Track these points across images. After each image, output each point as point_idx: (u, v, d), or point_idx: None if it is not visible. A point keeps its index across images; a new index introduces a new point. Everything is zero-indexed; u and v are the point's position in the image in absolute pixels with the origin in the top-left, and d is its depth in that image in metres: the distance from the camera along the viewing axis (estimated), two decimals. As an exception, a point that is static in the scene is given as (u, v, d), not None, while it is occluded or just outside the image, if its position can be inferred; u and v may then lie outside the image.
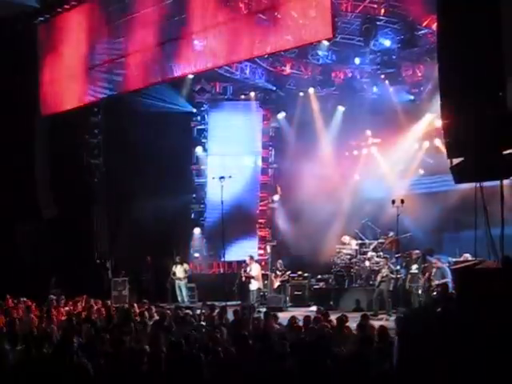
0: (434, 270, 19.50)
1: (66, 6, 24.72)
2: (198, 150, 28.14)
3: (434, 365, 3.50)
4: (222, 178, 21.05)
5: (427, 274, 19.89)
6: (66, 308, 19.53)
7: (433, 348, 3.42)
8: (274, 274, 23.98)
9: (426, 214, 22.86)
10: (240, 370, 8.69)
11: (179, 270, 24.58)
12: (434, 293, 18.91)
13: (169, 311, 16.93)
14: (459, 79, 10.65)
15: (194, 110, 28.03)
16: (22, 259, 26.25)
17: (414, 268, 20.81)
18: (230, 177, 22.38)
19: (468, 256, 17.04)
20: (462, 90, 10.59)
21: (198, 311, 18.03)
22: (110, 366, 8.32)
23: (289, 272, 24.08)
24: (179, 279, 24.53)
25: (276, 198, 28.28)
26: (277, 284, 23.80)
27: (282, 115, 28.00)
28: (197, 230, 27.89)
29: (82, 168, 27.16)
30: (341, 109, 26.16)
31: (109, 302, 21.50)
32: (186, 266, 24.82)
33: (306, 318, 13.65)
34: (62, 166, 26.33)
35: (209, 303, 18.26)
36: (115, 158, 26.58)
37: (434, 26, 17.73)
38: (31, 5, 25.42)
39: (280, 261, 24.71)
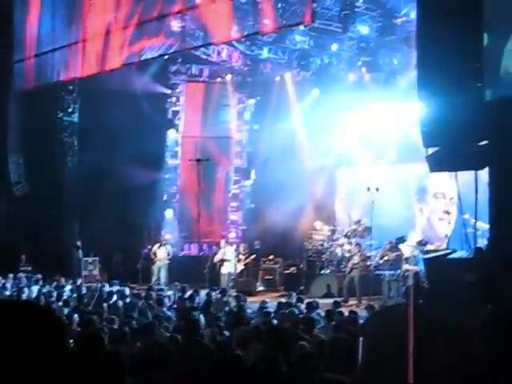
0: (409, 255, 19.56)
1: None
2: (171, 132, 28.05)
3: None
4: (198, 160, 20.85)
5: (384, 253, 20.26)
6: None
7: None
8: (237, 259, 23.86)
9: (399, 201, 22.94)
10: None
11: (161, 251, 24.28)
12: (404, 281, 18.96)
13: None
14: (437, 68, 10.67)
15: (169, 92, 27.90)
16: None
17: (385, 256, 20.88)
18: (207, 160, 22.21)
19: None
20: (440, 79, 10.61)
21: (170, 293, 18.04)
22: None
23: (253, 256, 24.09)
24: (160, 260, 24.26)
25: (249, 182, 28.25)
26: (240, 268, 23.72)
27: (255, 99, 27.94)
28: (169, 212, 27.79)
29: (55, 146, 26.97)
30: (315, 92, 25.94)
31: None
32: (168, 247, 24.46)
33: (279, 303, 13.79)
34: (35, 144, 26.13)
35: (179, 285, 18.26)
36: (89, 137, 26.39)
37: (413, 15, 17.73)
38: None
39: (243, 244, 24.74)
